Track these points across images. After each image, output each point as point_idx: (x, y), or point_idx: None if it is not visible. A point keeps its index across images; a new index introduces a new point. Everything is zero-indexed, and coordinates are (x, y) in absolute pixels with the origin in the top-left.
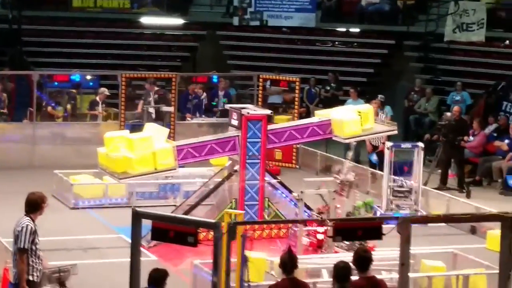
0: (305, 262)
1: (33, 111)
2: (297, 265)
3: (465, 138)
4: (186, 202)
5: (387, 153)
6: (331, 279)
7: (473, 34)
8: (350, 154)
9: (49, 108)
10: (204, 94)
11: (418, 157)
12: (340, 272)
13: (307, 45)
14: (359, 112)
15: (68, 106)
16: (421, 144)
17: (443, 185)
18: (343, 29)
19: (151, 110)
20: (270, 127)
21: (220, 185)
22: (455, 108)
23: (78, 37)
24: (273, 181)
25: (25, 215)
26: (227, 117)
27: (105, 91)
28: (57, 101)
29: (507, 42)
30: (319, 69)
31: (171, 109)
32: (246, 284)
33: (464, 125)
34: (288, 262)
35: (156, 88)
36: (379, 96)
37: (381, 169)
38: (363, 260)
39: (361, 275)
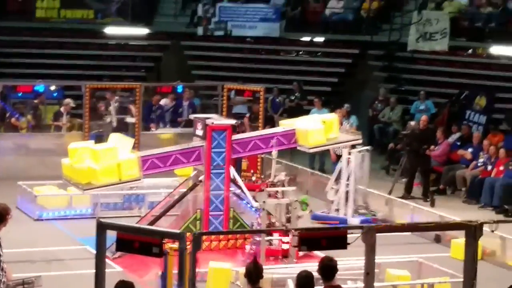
0: (271, 272)
1: None
2: (262, 275)
3: (431, 147)
4: (151, 213)
5: (352, 159)
6: None
7: (436, 43)
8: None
9: (13, 119)
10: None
11: (364, 161)
12: (302, 281)
13: (271, 55)
14: (324, 121)
15: (29, 117)
16: (369, 148)
17: (407, 194)
18: (307, 39)
19: (113, 119)
20: (234, 137)
21: (185, 195)
22: (423, 117)
23: (42, 47)
24: (238, 191)
25: None
26: (192, 127)
27: (70, 102)
28: (21, 112)
29: (470, 51)
30: (283, 78)
31: (133, 120)
32: None
33: (431, 134)
34: (254, 272)
35: (116, 97)
36: (345, 105)
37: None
38: (328, 268)
39: (326, 284)
